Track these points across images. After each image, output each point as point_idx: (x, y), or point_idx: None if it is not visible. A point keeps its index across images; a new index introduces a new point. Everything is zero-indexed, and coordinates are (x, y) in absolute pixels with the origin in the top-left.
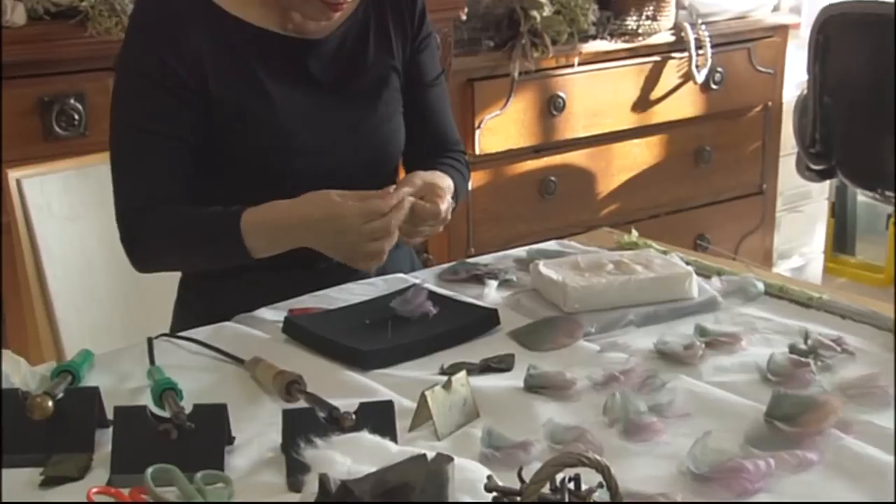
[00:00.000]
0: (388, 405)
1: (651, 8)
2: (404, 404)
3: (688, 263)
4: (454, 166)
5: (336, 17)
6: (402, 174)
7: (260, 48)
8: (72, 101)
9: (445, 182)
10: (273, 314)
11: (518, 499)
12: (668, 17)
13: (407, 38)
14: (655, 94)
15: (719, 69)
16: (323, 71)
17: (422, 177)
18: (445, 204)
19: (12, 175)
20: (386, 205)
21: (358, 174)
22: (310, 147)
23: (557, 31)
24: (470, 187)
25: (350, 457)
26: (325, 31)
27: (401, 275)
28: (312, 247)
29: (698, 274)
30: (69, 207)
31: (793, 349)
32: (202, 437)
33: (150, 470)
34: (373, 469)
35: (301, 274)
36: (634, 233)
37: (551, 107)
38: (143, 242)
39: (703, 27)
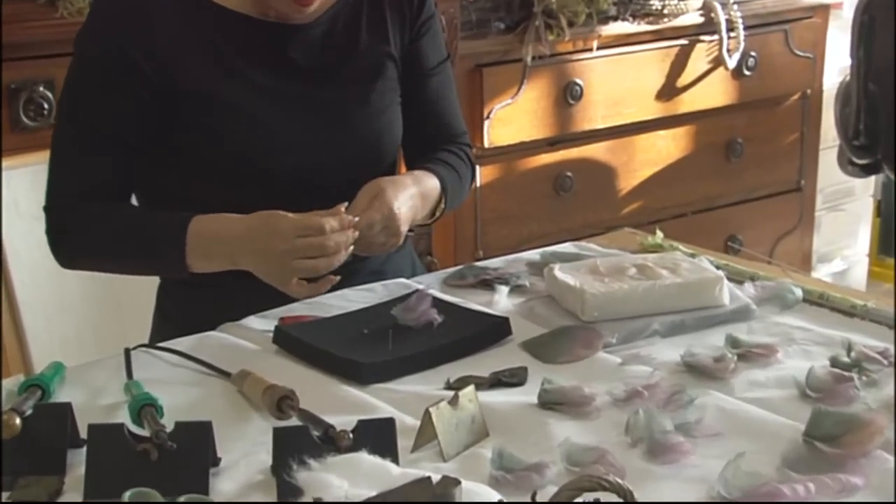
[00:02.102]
0: (389, 423)
1: None
2: (407, 422)
3: (718, 267)
4: (447, 161)
5: (310, 10)
6: (402, 170)
7: (238, 35)
8: (41, 88)
9: (425, 184)
10: (262, 323)
11: None
12: None
13: (405, 22)
14: (682, 80)
15: (753, 53)
16: (308, 59)
17: (379, 186)
18: (379, 214)
19: None
20: (325, 221)
21: (348, 172)
22: (293, 143)
23: (574, 12)
24: (478, 184)
25: (347, 479)
26: (311, 16)
27: (402, 280)
28: (243, 263)
29: (730, 279)
30: (38, 206)
31: (834, 362)
32: (185, 458)
33: (127, 494)
34: (372, 493)
35: None
36: (659, 234)
37: (567, 95)
38: (70, 236)
39: (735, 7)
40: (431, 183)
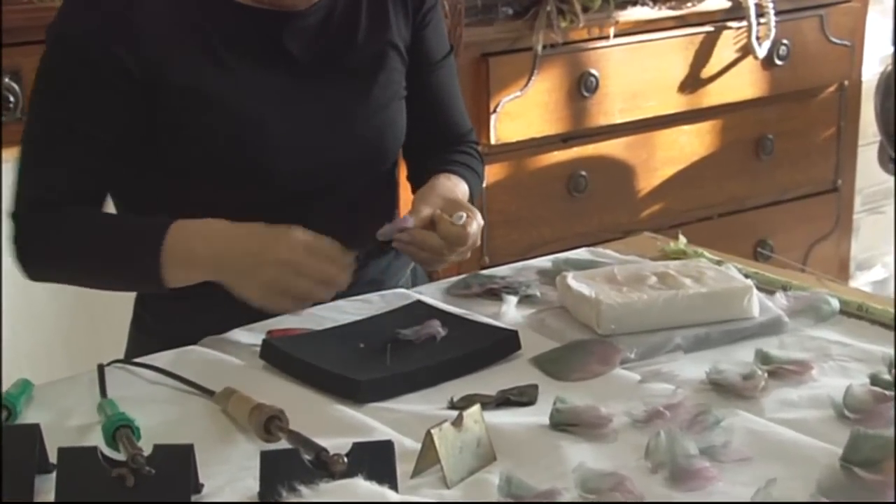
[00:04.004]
0: (387, 446)
1: None
2: (406, 445)
3: (746, 276)
4: (468, 164)
5: None
6: (403, 170)
7: (228, 23)
8: (7, 79)
9: (461, 190)
10: (248, 336)
11: None
12: None
13: (407, 9)
14: (708, 71)
15: (785, 41)
16: (304, 50)
17: (441, 195)
18: (475, 225)
19: None
20: (344, 253)
21: (347, 172)
22: (288, 141)
23: None
24: (484, 184)
25: None
26: (307, 2)
27: (402, 290)
28: (227, 270)
29: (759, 289)
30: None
31: (874, 380)
32: (164, 484)
33: None
34: None
35: None
36: (682, 239)
37: (582, 87)
38: (36, 246)
39: None
40: (462, 189)
